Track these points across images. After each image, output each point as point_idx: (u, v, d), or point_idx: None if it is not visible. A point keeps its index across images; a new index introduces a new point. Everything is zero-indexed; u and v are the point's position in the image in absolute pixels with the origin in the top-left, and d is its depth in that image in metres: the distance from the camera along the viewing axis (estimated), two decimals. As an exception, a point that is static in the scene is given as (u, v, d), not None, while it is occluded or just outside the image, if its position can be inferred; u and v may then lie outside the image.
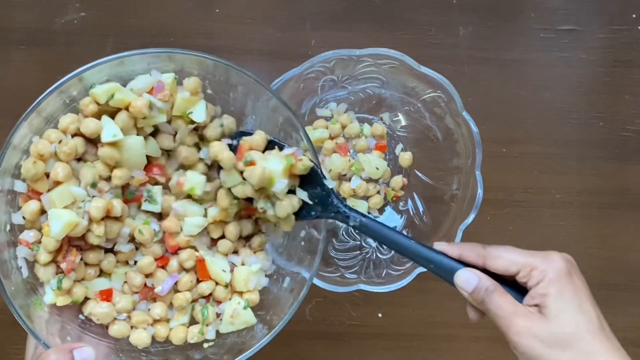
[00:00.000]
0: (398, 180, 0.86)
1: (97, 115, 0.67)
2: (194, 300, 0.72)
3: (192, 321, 0.72)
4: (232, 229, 0.71)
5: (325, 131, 0.85)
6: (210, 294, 0.72)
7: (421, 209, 0.87)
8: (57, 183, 0.65)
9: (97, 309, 0.68)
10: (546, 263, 0.58)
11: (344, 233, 0.87)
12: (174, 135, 0.70)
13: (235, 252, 0.73)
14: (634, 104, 0.91)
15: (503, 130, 0.90)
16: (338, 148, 0.86)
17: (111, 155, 0.66)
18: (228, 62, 0.66)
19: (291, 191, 0.67)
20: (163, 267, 0.70)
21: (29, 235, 0.65)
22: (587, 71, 0.91)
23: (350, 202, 0.85)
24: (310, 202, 0.67)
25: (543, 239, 0.91)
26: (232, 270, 0.72)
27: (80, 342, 0.66)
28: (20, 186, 0.64)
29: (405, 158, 0.86)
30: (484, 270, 0.61)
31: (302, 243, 0.73)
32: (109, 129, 0.65)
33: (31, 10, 0.87)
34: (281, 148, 0.67)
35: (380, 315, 0.90)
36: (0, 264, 0.62)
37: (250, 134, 0.69)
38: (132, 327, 0.70)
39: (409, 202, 0.87)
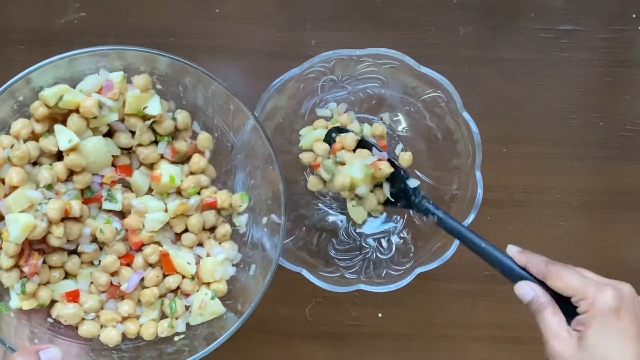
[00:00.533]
0: None
1: (48, 119, 0.67)
2: (162, 295, 0.73)
3: (163, 316, 0.73)
4: (194, 222, 0.72)
5: (325, 131, 0.85)
6: (178, 288, 0.72)
7: (421, 209, 0.87)
8: (13, 188, 0.65)
9: (64, 311, 0.68)
10: (597, 294, 0.60)
11: (343, 233, 0.87)
12: (132, 133, 0.70)
13: (200, 244, 0.74)
14: (634, 104, 0.91)
15: (503, 130, 0.90)
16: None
17: (78, 162, 0.66)
18: (170, 55, 0.66)
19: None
20: (128, 264, 0.71)
21: None
22: (587, 71, 0.91)
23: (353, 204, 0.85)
24: (392, 200, 0.79)
25: (543, 239, 0.91)
26: (198, 263, 0.72)
27: (50, 344, 0.66)
28: None
29: (405, 158, 0.86)
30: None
31: (265, 229, 0.74)
32: (64, 136, 0.66)
33: (31, 10, 0.87)
34: (371, 148, 0.78)
35: (380, 315, 0.90)
36: None
37: (345, 130, 0.79)
38: (101, 326, 0.70)
39: (409, 202, 0.87)
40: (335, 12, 0.89)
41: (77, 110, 0.67)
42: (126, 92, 0.69)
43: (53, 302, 0.69)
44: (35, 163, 0.68)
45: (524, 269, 0.65)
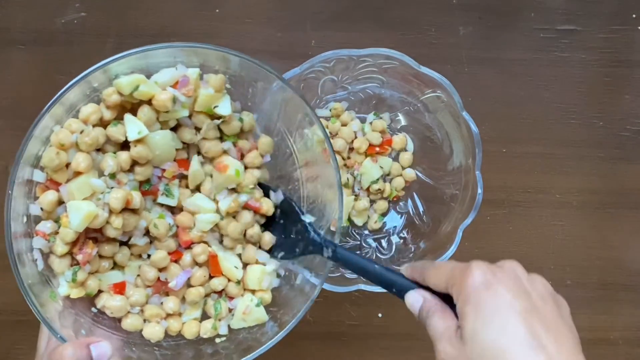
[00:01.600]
0: (400, 181, 0.86)
1: (119, 107, 0.67)
2: (207, 295, 0.72)
3: (204, 316, 0.73)
4: (239, 223, 0.71)
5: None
6: (223, 290, 0.72)
7: (421, 209, 0.87)
8: (77, 174, 0.65)
9: (110, 302, 0.68)
10: (463, 277, 0.53)
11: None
12: (196, 129, 0.70)
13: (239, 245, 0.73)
14: (634, 104, 0.91)
15: (503, 130, 0.90)
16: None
17: (145, 154, 0.66)
18: (253, 59, 0.66)
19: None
20: (176, 261, 0.71)
21: (45, 226, 0.64)
22: (587, 71, 0.91)
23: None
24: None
25: (543, 239, 0.91)
26: (244, 268, 0.72)
27: (92, 335, 0.66)
28: (39, 176, 0.64)
29: (405, 158, 0.86)
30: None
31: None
32: (134, 127, 0.65)
33: (31, 10, 0.87)
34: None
35: (380, 315, 0.90)
36: (17, 255, 0.62)
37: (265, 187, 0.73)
38: (145, 320, 0.70)
39: (409, 202, 0.87)
40: (335, 12, 0.89)
41: (149, 102, 0.67)
42: (199, 89, 0.68)
43: (98, 292, 0.69)
44: (98, 150, 0.67)
45: (415, 282, 0.60)
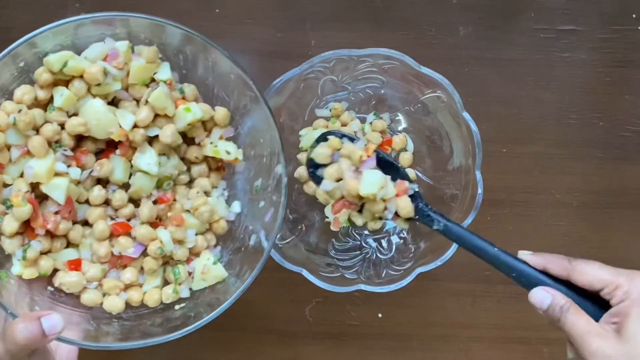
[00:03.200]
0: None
1: (52, 85, 0.68)
2: (165, 263, 0.73)
3: (165, 284, 0.74)
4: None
5: (325, 131, 0.85)
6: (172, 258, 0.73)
7: (421, 209, 0.86)
8: (32, 155, 0.67)
9: (66, 279, 0.69)
10: (631, 283, 0.58)
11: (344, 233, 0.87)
12: (136, 102, 0.71)
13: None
14: (634, 104, 0.91)
15: (503, 130, 0.90)
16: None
17: (78, 124, 0.67)
18: (174, 22, 0.68)
19: None
20: (127, 233, 0.71)
21: None
22: (587, 71, 0.91)
23: None
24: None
25: (543, 239, 0.91)
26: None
27: (51, 311, 0.66)
28: None
29: (405, 158, 0.86)
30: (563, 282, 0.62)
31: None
32: (59, 95, 0.67)
33: (31, 10, 0.87)
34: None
35: (380, 315, 0.90)
36: None
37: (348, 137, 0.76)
38: (104, 294, 0.71)
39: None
40: (335, 12, 0.89)
41: (81, 77, 0.68)
42: (130, 62, 0.69)
43: (55, 271, 0.70)
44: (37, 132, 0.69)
45: (540, 271, 0.63)
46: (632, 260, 0.91)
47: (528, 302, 0.64)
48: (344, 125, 0.86)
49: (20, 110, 0.66)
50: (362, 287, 0.79)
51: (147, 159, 0.70)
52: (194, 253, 0.74)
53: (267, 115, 0.70)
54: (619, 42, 0.91)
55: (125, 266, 0.72)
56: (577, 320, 0.59)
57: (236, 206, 0.77)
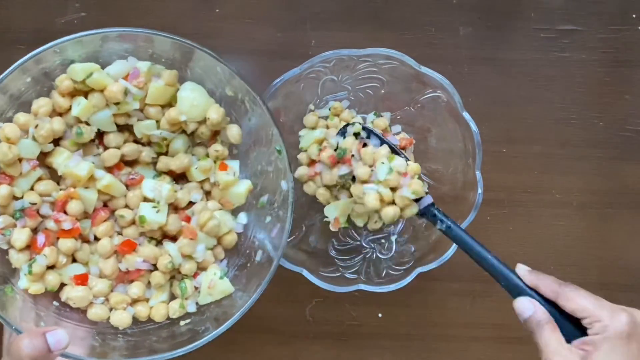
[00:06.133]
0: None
1: (70, 95, 0.68)
2: (171, 277, 0.73)
3: (172, 298, 0.74)
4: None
5: (325, 130, 0.85)
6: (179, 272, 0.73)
7: (421, 209, 0.86)
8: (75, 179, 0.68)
9: (73, 293, 0.68)
10: (610, 319, 0.61)
11: (343, 233, 0.87)
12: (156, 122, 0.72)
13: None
14: (634, 104, 0.91)
15: (503, 130, 0.90)
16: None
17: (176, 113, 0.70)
18: (182, 38, 0.67)
19: None
20: (134, 250, 0.71)
21: None
22: (587, 71, 0.91)
23: None
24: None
25: (543, 239, 0.91)
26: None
27: (57, 327, 0.66)
28: None
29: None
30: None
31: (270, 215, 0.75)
32: (76, 105, 0.68)
33: (31, 10, 0.87)
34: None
35: (380, 315, 0.90)
36: None
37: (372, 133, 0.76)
38: (111, 309, 0.70)
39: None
40: (335, 12, 0.89)
41: (101, 91, 0.68)
42: (150, 82, 0.69)
43: (62, 286, 0.70)
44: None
45: (531, 288, 0.66)
46: (632, 260, 0.91)
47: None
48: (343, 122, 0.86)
49: (37, 126, 0.66)
50: (362, 287, 0.79)
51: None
52: (200, 267, 0.74)
53: (278, 137, 0.71)
54: (619, 42, 0.91)
55: (132, 281, 0.72)
56: (549, 338, 0.62)
57: (242, 217, 0.77)
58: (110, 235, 0.71)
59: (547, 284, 0.65)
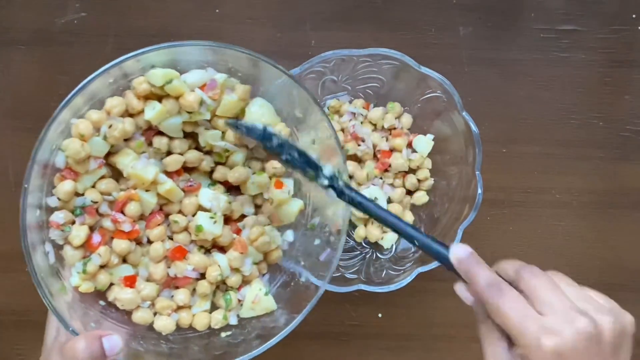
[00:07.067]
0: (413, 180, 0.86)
1: (145, 98, 0.68)
2: (216, 288, 0.73)
3: (213, 307, 0.74)
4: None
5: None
6: (224, 282, 0.73)
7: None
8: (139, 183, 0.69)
9: (121, 295, 0.68)
10: (537, 340, 0.52)
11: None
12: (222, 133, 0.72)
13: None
14: (634, 104, 0.91)
15: (503, 130, 0.90)
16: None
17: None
18: (279, 65, 0.67)
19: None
20: (185, 257, 0.71)
21: (58, 217, 0.65)
22: (587, 71, 0.91)
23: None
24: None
25: (543, 239, 0.91)
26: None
27: (100, 327, 0.66)
28: (60, 162, 0.66)
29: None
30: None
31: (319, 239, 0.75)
32: (150, 109, 0.68)
33: (31, 10, 0.87)
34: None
35: (380, 315, 0.90)
36: (31, 246, 0.62)
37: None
38: (155, 313, 0.71)
39: (409, 202, 0.87)
40: (335, 12, 0.89)
41: (176, 98, 0.68)
42: (223, 95, 0.69)
43: (110, 285, 0.70)
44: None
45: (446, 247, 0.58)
46: (632, 260, 0.91)
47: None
48: (341, 116, 0.86)
49: (110, 126, 0.66)
50: (362, 287, 0.79)
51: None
52: (245, 281, 0.74)
53: (342, 167, 0.69)
54: (619, 42, 0.91)
55: (177, 287, 0.72)
56: (485, 333, 0.56)
57: (289, 235, 0.76)
58: (162, 240, 0.71)
59: (483, 278, 0.56)
